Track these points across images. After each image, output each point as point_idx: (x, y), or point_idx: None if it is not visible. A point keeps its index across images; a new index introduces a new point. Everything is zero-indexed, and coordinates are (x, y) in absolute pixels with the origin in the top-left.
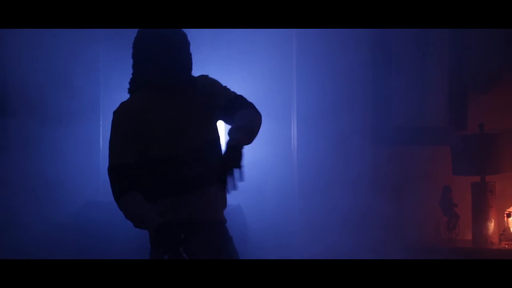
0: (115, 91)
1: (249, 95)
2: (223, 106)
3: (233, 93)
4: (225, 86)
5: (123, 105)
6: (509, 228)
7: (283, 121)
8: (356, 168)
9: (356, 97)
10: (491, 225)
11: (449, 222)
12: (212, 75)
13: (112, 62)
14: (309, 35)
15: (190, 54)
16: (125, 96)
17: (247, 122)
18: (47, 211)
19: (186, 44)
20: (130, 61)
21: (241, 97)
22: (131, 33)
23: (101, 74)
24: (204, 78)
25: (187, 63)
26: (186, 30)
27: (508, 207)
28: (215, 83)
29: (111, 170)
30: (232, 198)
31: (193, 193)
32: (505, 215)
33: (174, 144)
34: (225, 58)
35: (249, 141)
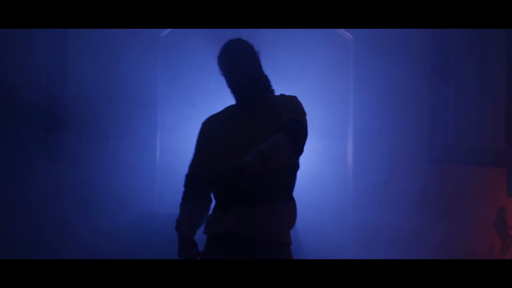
0: (173, 103)
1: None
2: (275, 127)
3: (295, 116)
4: (298, 110)
5: (208, 117)
6: None
7: (339, 138)
8: (409, 186)
9: (411, 115)
10: None
11: (503, 243)
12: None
13: (170, 74)
14: (365, 54)
15: (259, 72)
16: (183, 108)
17: (266, 148)
18: (103, 221)
19: (253, 63)
20: (186, 74)
21: (293, 121)
22: (187, 46)
23: (159, 86)
24: (283, 98)
25: (254, 81)
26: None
27: None
28: (288, 105)
29: (185, 176)
30: None
31: (236, 206)
32: None
33: (228, 159)
34: (282, 78)
35: (263, 165)
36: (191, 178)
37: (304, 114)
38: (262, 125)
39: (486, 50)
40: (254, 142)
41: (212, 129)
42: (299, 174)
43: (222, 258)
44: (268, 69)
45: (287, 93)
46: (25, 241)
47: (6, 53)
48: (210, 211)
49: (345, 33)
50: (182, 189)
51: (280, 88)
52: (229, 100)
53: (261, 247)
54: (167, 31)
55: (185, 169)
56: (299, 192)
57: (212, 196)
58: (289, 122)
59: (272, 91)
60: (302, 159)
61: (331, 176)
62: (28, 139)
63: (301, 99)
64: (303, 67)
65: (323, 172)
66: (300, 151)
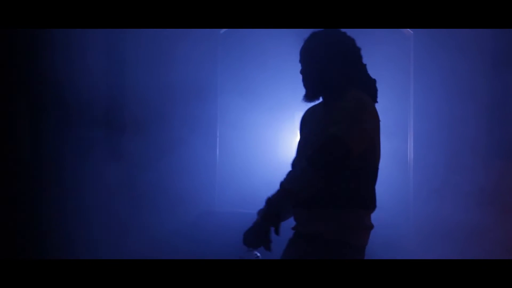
0: (232, 104)
1: None
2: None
3: (332, 130)
4: (340, 119)
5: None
6: None
7: (400, 135)
8: (468, 182)
9: (471, 110)
10: None
11: None
12: None
13: (229, 73)
14: (425, 49)
15: (328, 70)
16: (242, 106)
17: (287, 185)
18: (164, 220)
19: (321, 58)
20: (247, 70)
21: (324, 145)
22: (246, 43)
23: (219, 85)
24: (341, 103)
25: (312, 77)
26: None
27: None
28: (334, 114)
29: None
30: None
31: (303, 208)
32: None
33: (301, 155)
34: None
35: (288, 200)
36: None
37: (347, 124)
38: (318, 126)
39: None
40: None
41: (302, 123)
42: None
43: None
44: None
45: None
46: (88, 241)
47: (61, 54)
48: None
49: (406, 30)
50: (240, 188)
51: None
52: (286, 97)
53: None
54: (227, 31)
55: (243, 167)
56: None
57: None
58: (320, 147)
59: (342, 91)
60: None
61: (392, 173)
62: (91, 141)
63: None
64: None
65: (384, 168)
66: (332, 170)
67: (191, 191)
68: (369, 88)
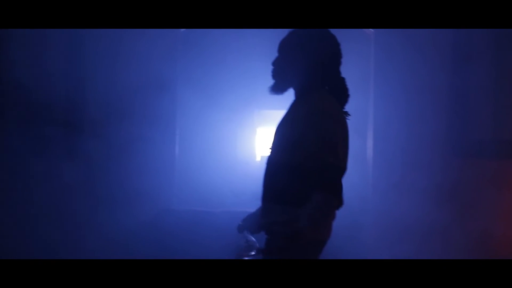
0: (192, 102)
1: None
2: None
3: (326, 158)
4: (324, 145)
5: None
6: None
7: (360, 132)
8: (426, 179)
9: (429, 108)
10: None
11: None
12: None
13: (188, 73)
14: (386, 48)
15: (301, 67)
16: (201, 104)
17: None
18: (121, 218)
19: (286, 57)
20: (207, 68)
21: (327, 170)
22: (206, 43)
23: (178, 85)
24: (307, 108)
25: (292, 74)
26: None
27: None
28: (310, 133)
29: None
30: None
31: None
32: None
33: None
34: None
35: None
36: None
37: (321, 145)
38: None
39: (503, 47)
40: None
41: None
42: None
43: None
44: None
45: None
46: (44, 241)
47: (19, 54)
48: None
49: (366, 30)
50: (199, 186)
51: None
52: (246, 96)
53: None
54: (187, 30)
55: (202, 167)
56: None
57: None
58: (325, 173)
59: (310, 91)
60: None
61: (351, 169)
62: (48, 140)
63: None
64: None
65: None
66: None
67: (149, 190)
68: (340, 91)
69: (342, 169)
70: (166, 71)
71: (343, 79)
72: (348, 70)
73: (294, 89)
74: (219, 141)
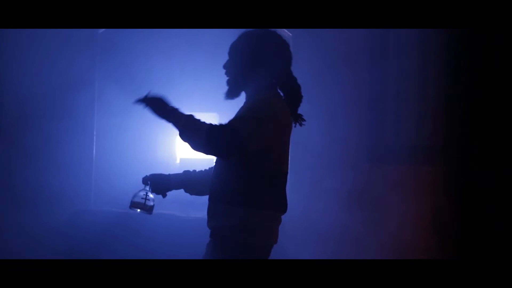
0: (111, 102)
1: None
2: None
3: (231, 120)
4: (242, 114)
5: None
6: None
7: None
8: (344, 184)
9: (349, 113)
10: None
11: (439, 242)
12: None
13: (107, 73)
14: (304, 52)
15: (252, 71)
16: (120, 104)
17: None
18: (39, 217)
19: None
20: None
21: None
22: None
23: (96, 85)
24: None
25: (243, 78)
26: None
27: None
28: (243, 109)
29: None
30: None
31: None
32: None
33: None
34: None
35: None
36: None
37: (245, 118)
38: None
39: (423, 49)
40: None
41: None
42: None
43: None
44: (205, 65)
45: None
46: None
47: None
48: None
49: (285, 31)
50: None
51: (221, 86)
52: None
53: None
54: (105, 30)
55: (120, 168)
56: None
57: None
58: (219, 126)
59: (259, 93)
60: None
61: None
62: None
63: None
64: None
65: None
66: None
67: (68, 192)
68: (291, 93)
69: (239, 135)
70: (85, 72)
71: (294, 79)
72: None
73: (246, 92)
74: (139, 142)
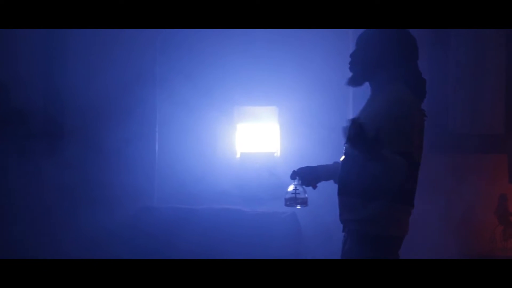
0: (171, 98)
1: None
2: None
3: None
4: (400, 132)
5: None
6: None
7: (339, 129)
8: None
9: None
10: None
11: (504, 231)
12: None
13: (167, 73)
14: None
15: (382, 60)
16: (180, 101)
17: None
18: (103, 216)
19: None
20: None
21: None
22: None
23: (157, 84)
24: (385, 96)
25: (371, 66)
26: None
27: None
28: (381, 109)
29: None
30: None
31: None
32: None
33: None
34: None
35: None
36: None
37: (403, 135)
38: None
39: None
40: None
41: None
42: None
43: None
44: (262, 66)
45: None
46: (26, 242)
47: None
48: None
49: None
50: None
51: (280, 79)
52: (225, 92)
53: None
54: (164, 31)
55: (183, 164)
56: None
57: None
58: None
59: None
60: (303, 149)
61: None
62: (29, 140)
63: (302, 88)
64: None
65: (322, 157)
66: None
67: (130, 189)
68: (416, 87)
69: (414, 158)
70: (144, 72)
71: (420, 74)
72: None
73: (372, 82)
74: (199, 138)
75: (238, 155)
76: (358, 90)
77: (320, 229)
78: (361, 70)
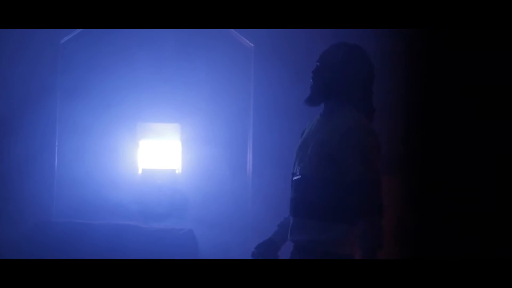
0: (73, 111)
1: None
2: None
3: (365, 175)
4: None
5: None
6: None
7: (240, 146)
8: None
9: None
10: None
11: None
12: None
13: (70, 81)
14: (264, 61)
15: (340, 80)
16: (82, 113)
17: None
18: (2, 229)
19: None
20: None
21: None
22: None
23: (58, 92)
24: (348, 126)
25: (329, 87)
26: None
27: None
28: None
29: None
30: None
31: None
32: None
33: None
34: (180, 84)
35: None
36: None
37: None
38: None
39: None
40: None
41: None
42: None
43: None
44: (169, 75)
45: (185, 102)
46: None
47: None
48: None
49: (246, 41)
50: (80, 197)
51: (184, 96)
52: (129, 106)
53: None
54: (66, 38)
55: (83, 178)
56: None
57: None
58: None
59: (343, 106)
60: (205, 167)
61: (232, 179)
62: None
63: (204, 106)
64: (205, 75)
65: (224, 175)
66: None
67: (29, 202)
68: (367, 109)
69: (380, 184)
70: (46, 78)
71: (371, 97)
72: (230, 84)
73: (326, 103)
74: (101, 153)
75: (140, 171)
76: (258, 108)
77: (217, 247)
78: (320, 89)
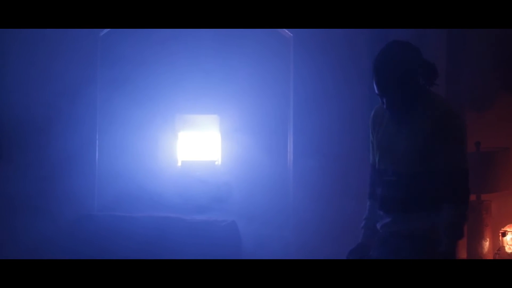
0: (113, 105)
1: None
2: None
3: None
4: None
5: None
6: (503, 247)
7: (280, 134)
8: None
9: (348, 112)
10: (486, 244)
11: None
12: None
13: (109, 75)
14: (304, 52)
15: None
16: (122, 106)
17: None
18: (44, 224)
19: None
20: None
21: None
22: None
23: (98, 87)
24: (436, 113)
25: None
26: None
27: (503, 226)
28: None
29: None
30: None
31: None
32: (500, 234)
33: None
34: (222, 76)
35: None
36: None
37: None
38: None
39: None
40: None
41: (374, 123)
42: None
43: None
44: (207, 67)
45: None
46: None
47: None
48: None
49: (285, 31)
50: (120, 190)
51: (223, 87)
52: (167, 99)
53: None
54: (105, 30)
55: (124, 171)
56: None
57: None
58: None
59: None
60: (244, 158)
61: (272, 171)
62: None
63: (243, 97)
64: (243, 66)
65: (264, 166)
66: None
67: (70, 196)
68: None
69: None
70: (86, 74)
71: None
72: (269, 74)
73: (397, 99)
74: (141, 145)
75: (179, 163)
76: (299, 98)
77: (259, 239)
78: (400, 93)
